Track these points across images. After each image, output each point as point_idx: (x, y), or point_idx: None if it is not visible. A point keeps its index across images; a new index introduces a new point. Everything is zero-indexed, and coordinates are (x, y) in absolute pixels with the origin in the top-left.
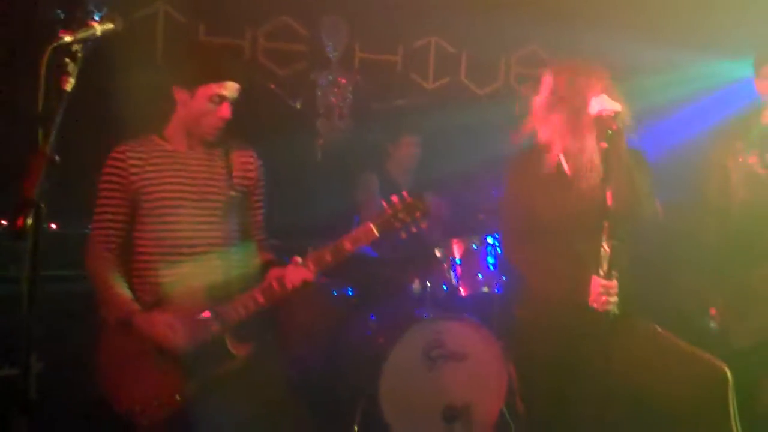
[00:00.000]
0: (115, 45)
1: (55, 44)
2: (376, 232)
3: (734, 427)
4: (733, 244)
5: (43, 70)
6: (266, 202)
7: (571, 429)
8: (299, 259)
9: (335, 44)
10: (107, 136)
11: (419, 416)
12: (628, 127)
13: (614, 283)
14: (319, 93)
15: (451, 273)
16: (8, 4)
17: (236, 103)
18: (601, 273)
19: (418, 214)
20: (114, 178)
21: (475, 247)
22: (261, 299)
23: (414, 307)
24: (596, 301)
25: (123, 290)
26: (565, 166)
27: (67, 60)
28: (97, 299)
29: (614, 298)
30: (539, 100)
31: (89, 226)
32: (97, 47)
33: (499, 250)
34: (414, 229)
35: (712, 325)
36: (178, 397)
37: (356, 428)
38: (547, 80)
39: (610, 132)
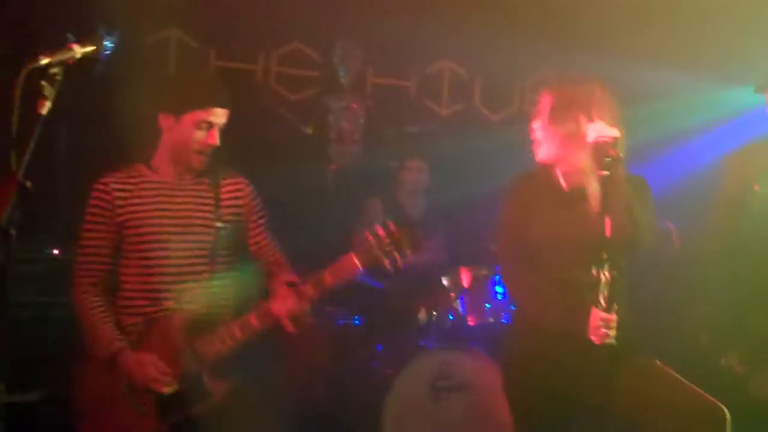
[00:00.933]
0: (127, 69)
1: (31, 66)
2: (358, 264)
3: None
4: (752, 277)
5: (17, 93)
6: (277, 227)
7: None
8: (284, 287)
9: (347, 69)
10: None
11: None
12: (627, 153)
13: (614, 316)
14: (331, 118)
15: (458, 302)
16: (17, 27)
17: (248, 128)
18: (601, 305)
19: (403, 246)
20: (98, 211)
21: (484, 277)
22: (240, 334)
23: (420, 337)
24: (595, 334)
25: (108, 327)
26: (563, 189)
27: (43, 83)
28: (82, 329)
29: (614, 332)
30: (537, 122)
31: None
32: (108, 71)
33: None
34: (399, 263)
35: (729, 364)
36: None
37: None
38: (545, 101)
39: (608, 159)
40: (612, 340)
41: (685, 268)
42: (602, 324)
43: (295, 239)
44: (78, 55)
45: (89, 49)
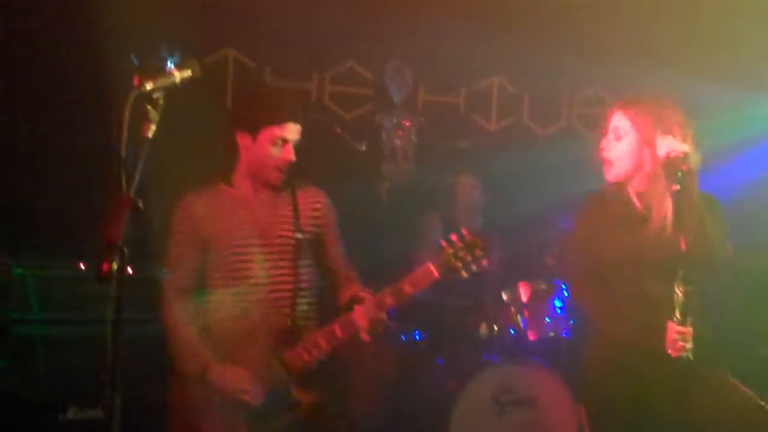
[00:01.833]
0: (186, 89)
1: (138, 92)
2: (436, 273)
3: None
4: None
5: (126, 117)
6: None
7: None
8: (367, 297)
9: (399, 87)
10: (177, 182)
11: None
12: (699, 168)
13: (690, 329)
14: (384, 135)
15: (519, 317)
16: (84, 49)
17: (301, 146)
18: (676, 318)
19: (477, 251)
20: (184, 229)
21: (542, 291)
22: (325, 345)
23: (482, 351)
24: (672, 347)
25: (195, 341)
26: (637, 208)
27: (149, 107)
28: (168, 344)
29: (690, 344)
30: (608, 138)
31: (160, 271)
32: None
33: (566, 294)
34: (475, 268)
35: None
36: None
37: None
38: (617, 118)
39: (680, 174)
40: (688, 353)
41: (740, 281)
42: (679, 337)
43: (350, 257)
44: (177, 80)
45: (187, 74)
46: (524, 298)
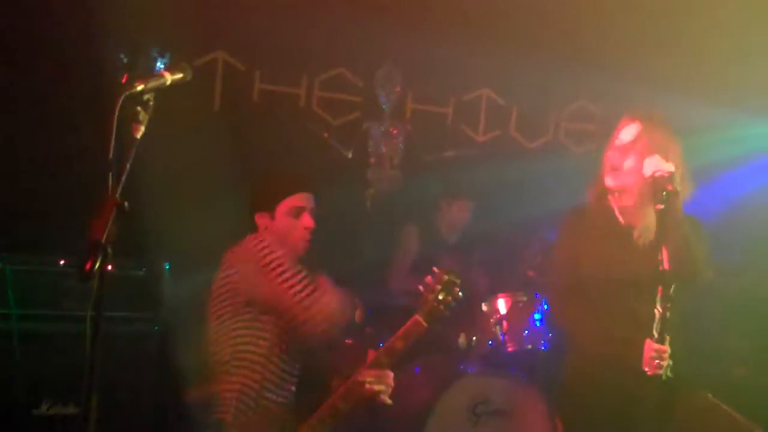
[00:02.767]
0: (174, 91)
1: (128, 93)
2: (424, 324)
3: None
4: None
5: (115, 118)
6: (316, 248)
7: None
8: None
9: (388, 95)
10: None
11: None
12: (685, 188)
13: (667, 347)
14: (371, 142)
15: (497, 328)
16: (75, 49)
17: (289, 151)
18: (654, 336)
19: (455, 289)
20: None
21: (522, 303)
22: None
23: (459, 361)
24: (648, 365)
25: None
26: (620, 224)
27: (139, 108)
28: None
29: (666, 363)
30: (611, 155)
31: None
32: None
33: (545, 306)
34: (454, 305)
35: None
36: None
37: None
38: (628, 122)
39: (665, 193)
40: (664, 371)
41: (718, 300)
42: (655, 355)
43: (334, 261)
44: (168, 82)
45: (178, 76)
46: (504, 310)
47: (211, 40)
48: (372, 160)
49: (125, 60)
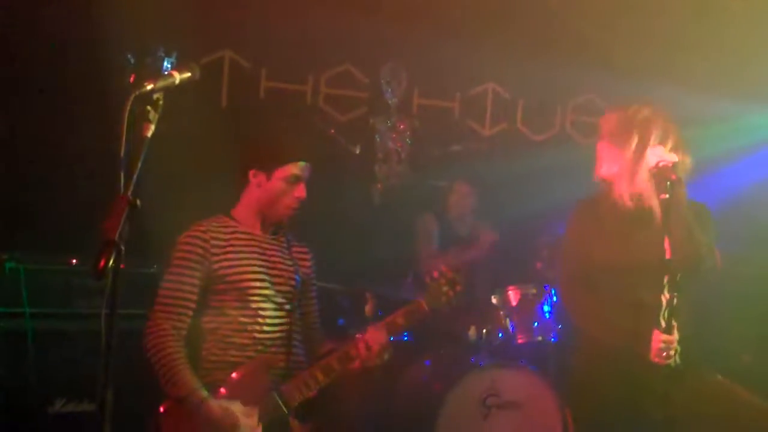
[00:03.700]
0: (181, 90)
1: (138, 92)
2: (426, 307)
3: None
4: None
5: (125, 117)
6: (324, 244)
7: None
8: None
9: (394, 90)
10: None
11: None
12: (688, 177)
13: (674, 337)
14: (378, 138)
15: (507, 321)
16: (82, 48)
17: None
18: (662, 325)
19: (458, 287)
20: (194, 257)
21: (532, 295)
22: (322, 376)
23: (470, 354)
24: (657, 356)
25: (190, 375)
26: (628, 215)
27: (148, 107)
28: (157, 370)
29: (674, 352)
30: (601, 146)
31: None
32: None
33: (554, 299)
34: (455, 303)
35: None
36: None
37: None
38: (608, 126)
39: (669, 182)
40: (672, 361)
41: (727, 289)
42: (664, 346)
43: (341, 256)
44: (177, 81)
45: (187, 75)
46: (513, 302)
47: (218, 38)
48: (379, 155)
49: (132, 60)
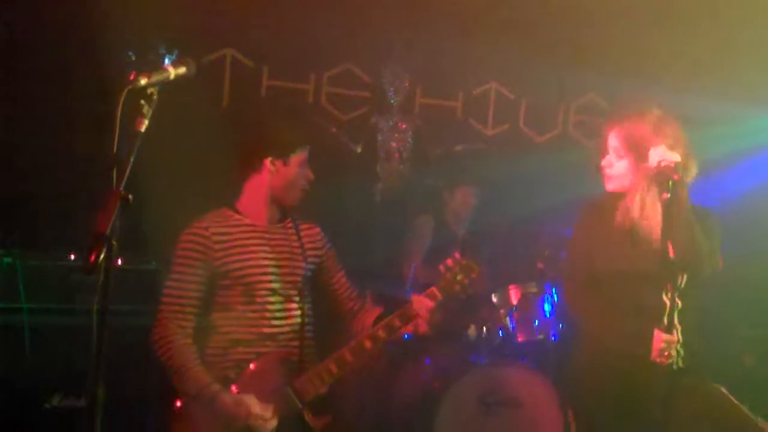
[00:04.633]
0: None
1: (131, 87)
2: (439, 295)
3: None
4: None
5: (118, 112)
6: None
7: None
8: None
9: (396, 89)
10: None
11: None
12: (691, 177)
13: (675, 337)
14: (379, 137)
15: (508, 319)
16: (83, 45)
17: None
18: (663, 325)
19: (473, 275)
20: (196, 255)
21: (532, 294)
22: (336, 370)
23: (469, 352)
24: (658, 356)
25: (201, 369)
26: (632, 217)
27: (142, 102)
28: (168, 370)
29: (675, 353)
30: (603, 149)
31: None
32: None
33: (555, 298)
34: (471, 291)
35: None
36: None
37: None
38: (613, 138)
39: (671, 182)
40: (673, 361)
41: (728, 290)
42: (665, 345)
43: (342, 255)
44: (172, 76)
45: (182, 70)
46: (514, 301)
47: (220, 36)
48: (381, 154)
49: (134, 57)
